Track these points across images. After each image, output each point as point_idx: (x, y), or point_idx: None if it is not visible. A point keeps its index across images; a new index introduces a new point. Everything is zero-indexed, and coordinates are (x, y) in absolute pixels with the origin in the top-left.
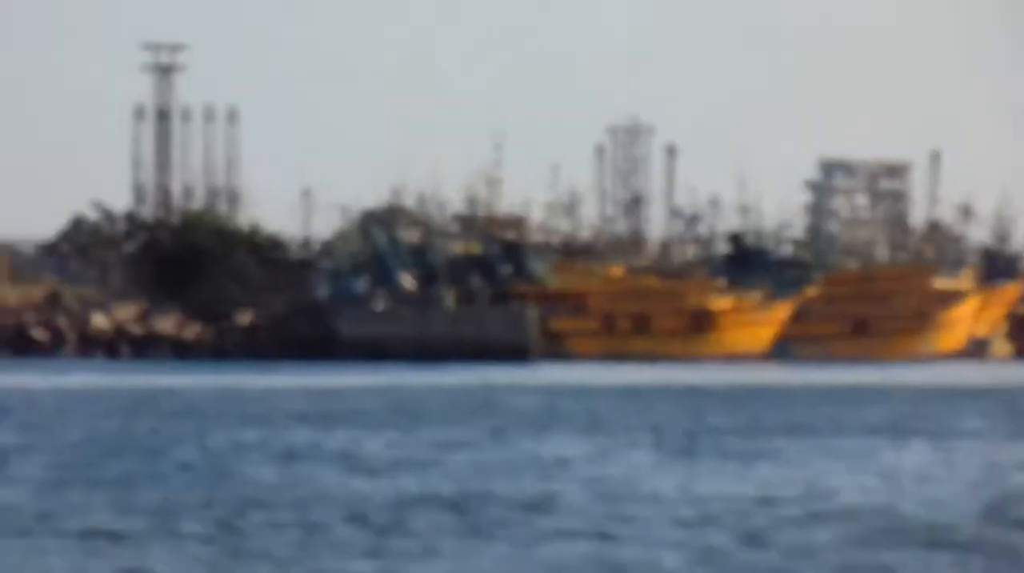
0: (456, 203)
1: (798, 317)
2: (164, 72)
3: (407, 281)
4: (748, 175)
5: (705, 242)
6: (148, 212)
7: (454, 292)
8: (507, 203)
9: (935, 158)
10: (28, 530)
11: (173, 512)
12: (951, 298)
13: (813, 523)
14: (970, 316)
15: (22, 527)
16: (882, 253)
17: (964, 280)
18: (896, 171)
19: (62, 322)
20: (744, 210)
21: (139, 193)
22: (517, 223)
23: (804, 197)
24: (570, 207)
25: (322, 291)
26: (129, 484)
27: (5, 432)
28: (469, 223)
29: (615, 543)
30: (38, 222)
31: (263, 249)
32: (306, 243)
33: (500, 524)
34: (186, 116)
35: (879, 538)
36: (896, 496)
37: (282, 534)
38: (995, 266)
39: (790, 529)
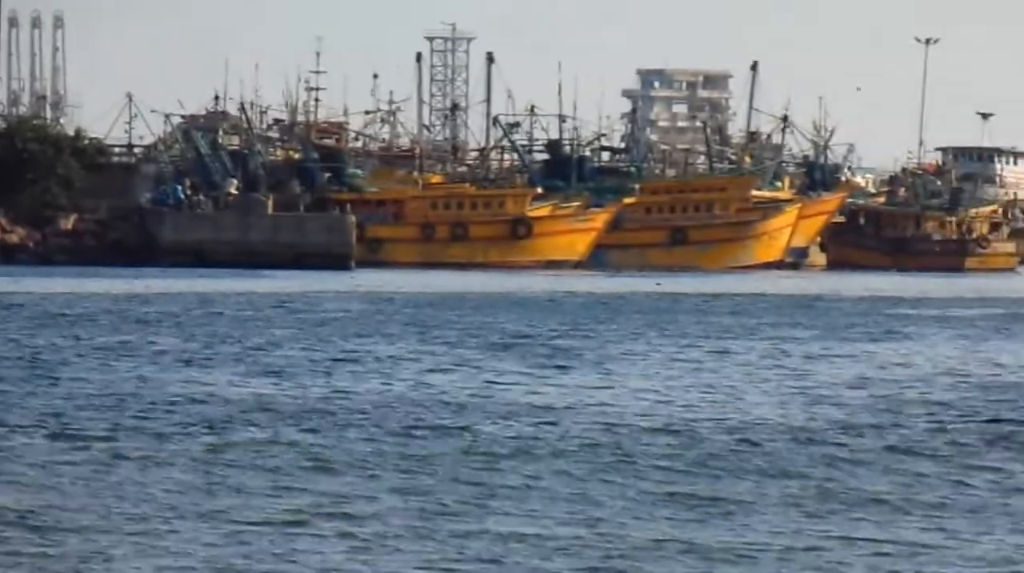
0: (277, 110)
1: (615, 225)
2: None
3: (228, 187)
4: (566, 84)
5: (523, 150)
6: None
7: (274, 198)
8: (327, 110)
9: (754, 68)
10: None
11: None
12: (769, 208)
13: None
14: (788, 227)
15: None
16: (700, 163)
17: (782, 190)
18: (715, 81)
19: None
20: (562, 118)
21: None
22: (337, 130)
23: (622, 106)
24: (389, 115)
25: (145, 196)
26: None
27: None
28: (289, 130)
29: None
30: None
31: (87, 154)
32: (128, 149)
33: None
34: (13, 23)
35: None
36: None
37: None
38: (814, 177)
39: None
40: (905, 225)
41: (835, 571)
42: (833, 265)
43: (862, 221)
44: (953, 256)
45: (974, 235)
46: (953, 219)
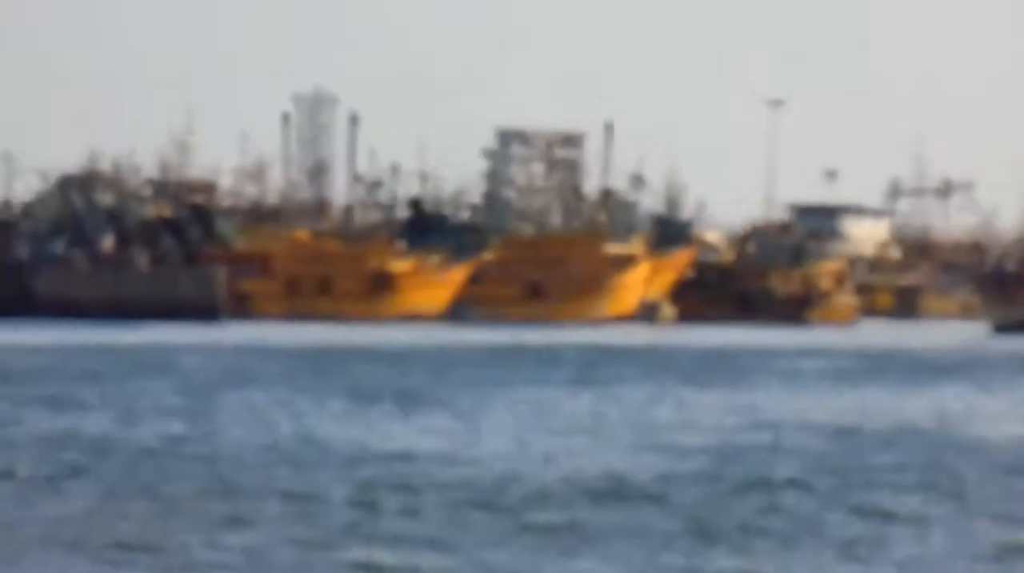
0: (150, 168)
1: (475, 280)
2: None
3: (104, 243)
4: (427, 144)
5: (386, 207)
6: None
7: (148, 254)
8: (198, 168)
9: (608, 129)
10: None
11: None
12: (623, 263)
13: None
14: (641, 281)
15: None
16: (557, 219)
17: (635, 246)
18: (571, 141)
19: None
20: (424, 177)
21: None
22: (207, 188)
23: (482, 165)
24: (257, 173)
25: (22, 252)
26: None
27: None
28: (162, 187)
29: None
30: None
31: None
32: (7, 205)
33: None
34: None
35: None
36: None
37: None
38: (666, 233)
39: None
40: (750, 279)
41: None
42: (683, 318)
43: (710, 276)
44: (796, 309)
45: (817, 289)
46: (797, 274)
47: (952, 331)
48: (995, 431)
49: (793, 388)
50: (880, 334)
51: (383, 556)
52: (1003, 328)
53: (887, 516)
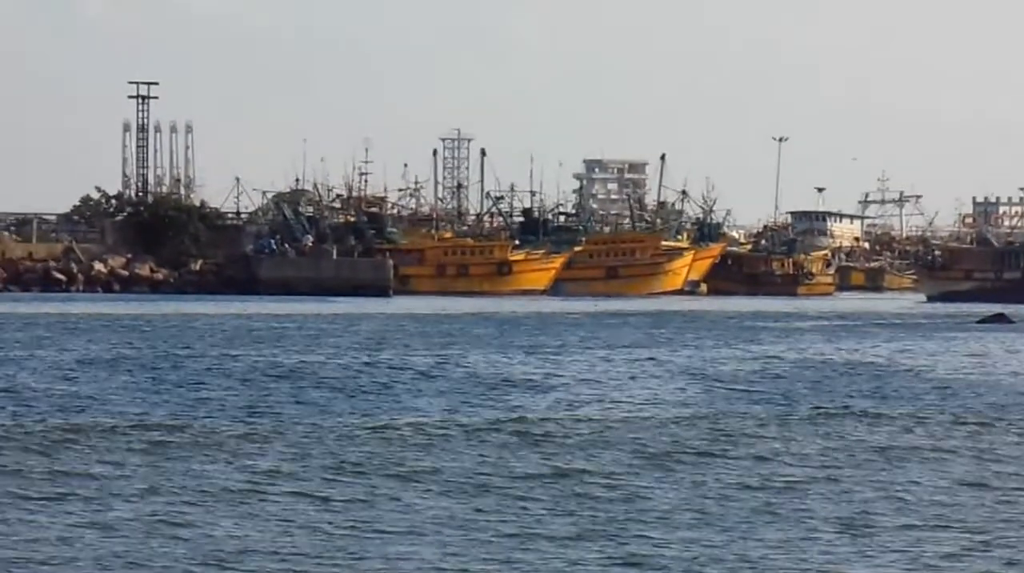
0: (339, 187)
1: (568, 266)
2: (143, 100)
3: (306, 241)
4: (535, 170)
5: (506, 215)
6: (132, 194)
7: (337, 248)
8: (372, 188)
9: (663, 158)
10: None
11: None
12: (673, 254)
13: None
14: (686, 266)
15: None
16: (626, 223)
17: (682, 242)
18: (635, 167)
19: (74, 268)
20: (532, 193)
21: (126, 181)
22: (379, 202)
23: (574, 184)
24: (415, 191)
25: (249, 247)
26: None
27: (49, 339)
28: (347, 201)
29: None
30: (59, 200)
31: (209, 219)
32: (237, 215)
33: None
34: (158, 129)
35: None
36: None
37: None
38: (703, 232)
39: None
40: (758, 264)
41: None
42: (712, 292)
43: (731, 262)
44: (789, 285)
45: (804, 271)
46: (790, 260)
47: (899, 300)
48: (925, 363)
49: (790, 339)
50: (849, 302)
51: None
52: (932, 298)
53: (843, 410)
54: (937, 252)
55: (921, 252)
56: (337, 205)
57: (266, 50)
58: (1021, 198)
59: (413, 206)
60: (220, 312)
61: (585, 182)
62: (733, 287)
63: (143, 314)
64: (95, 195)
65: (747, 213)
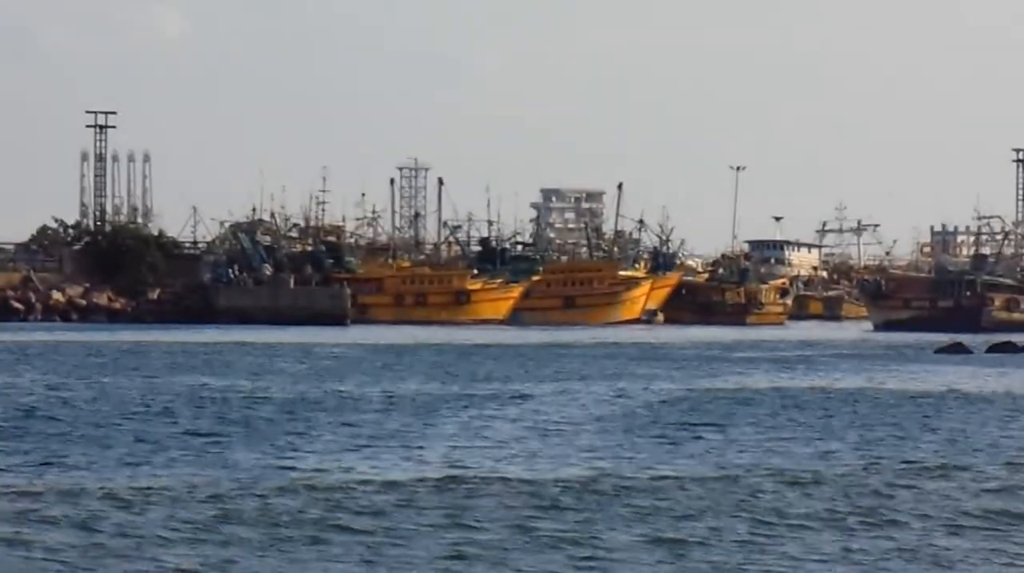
0: (296, 216)
1: (527, 295)
2: (101, 129)
3: (263, 270)
4: (492, 199)
5: (463, 244)
6: (90, 223)
7: (294, 277)
8: (330, 217)
9: (620, 188)
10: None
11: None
12: (630, 283)
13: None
14: (643, 295)
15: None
16: (584, 252)
17: (639, 271)
18: (593, 196)
19: (32, 297)
20: (490, 222)
21: (84, 210)
22: (337, 231)
23: (531, 213)
24: (372, 220)
25: (206, 276)
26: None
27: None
28: (304, 231)
29: None
30: (17, 229)
31: (166, 248)
32: (195, 244)
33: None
34: (115, 158)
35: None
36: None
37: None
38: (660, 261)
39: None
40: (711, 294)
41: None
42: (668, 321)
43: (685, 291)
44: (739, 314)
45: (755, 300)
46: (742, 289)
47: (846, 329)
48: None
49: (738, 370)
50: (797, 332)
51: None
52: (878, 327)
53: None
54: (882, 281)
55: (868, 281)
56: (295, 234)
57: (223, 80)
58: (979, 226)
59: (370, 235)
60: (175, 340)
61: (542, 211)
62: (687, 316)
63: (96, 342)
64: (53, 224)
65: (705, 242)
